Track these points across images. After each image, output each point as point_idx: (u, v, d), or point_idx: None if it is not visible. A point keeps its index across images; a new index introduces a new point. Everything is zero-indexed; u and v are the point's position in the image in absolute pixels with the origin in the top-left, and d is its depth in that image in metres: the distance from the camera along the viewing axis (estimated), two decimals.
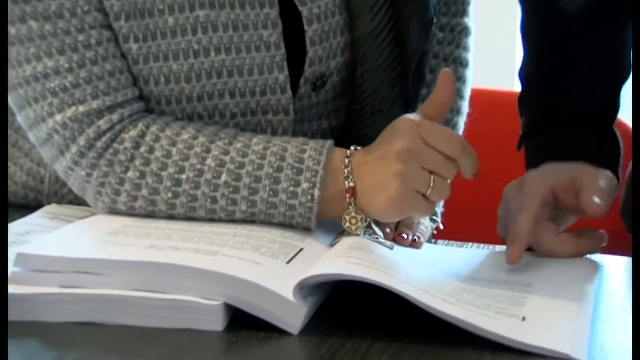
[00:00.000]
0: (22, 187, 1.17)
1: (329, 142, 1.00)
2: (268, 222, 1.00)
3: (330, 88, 1.09)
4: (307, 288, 0.86)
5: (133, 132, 1.01)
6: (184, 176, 0.99)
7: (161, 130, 1.01)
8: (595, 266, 1.04)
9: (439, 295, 0.88)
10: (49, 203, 1.14)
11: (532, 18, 1.18)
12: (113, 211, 1.02)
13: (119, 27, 1.01)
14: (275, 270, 0.89)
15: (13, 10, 0.99)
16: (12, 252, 0.90)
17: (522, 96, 1.18)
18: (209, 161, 0.99)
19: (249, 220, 1.00)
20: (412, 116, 0.98)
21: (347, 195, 0.97)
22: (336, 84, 1.10)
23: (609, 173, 1.08)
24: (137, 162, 1.00)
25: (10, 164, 1.18)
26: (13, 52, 1.00)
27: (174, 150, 1.00)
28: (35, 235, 1.01)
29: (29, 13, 0.99)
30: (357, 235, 0.99)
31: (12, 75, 1.01)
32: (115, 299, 0.85)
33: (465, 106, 1.21)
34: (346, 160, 0.98)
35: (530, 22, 1.19)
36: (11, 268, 0.88)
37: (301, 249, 0.96)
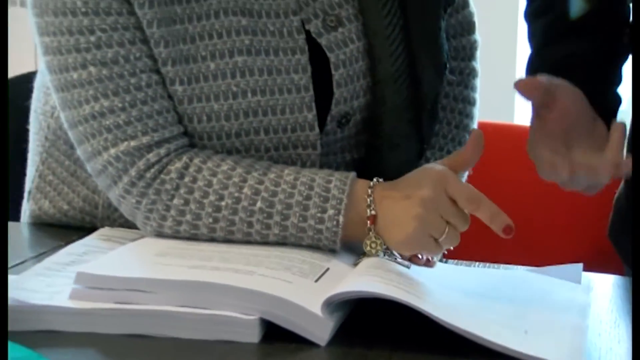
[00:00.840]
0: (80, 212, 1.19)
1: (352, 174, 1.01)
2: (298, 245, 1.01)
3: (354, 125, 1.10)
4: (333, 304, 0.88)
5: (178, 164, 1.02)
6: (223, 203, 1.01)
7: (203, 162, 1.03)
8: (589, 283, 1.05)
9: (449, 310, 0.89)
10: (102, 226, 1.15)
11: (535, 28, 1.18)
12: (160, 235, 1.04)
13: (166, 72, 1.03)
14: (305, 288, 0.91)
15: (76, 58, 1.01)
16: (73, 270, 0.92)
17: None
18: (245, 190, 1.01)
19: (281, 242, 1.01)
20: (439, 167, 0.99)
21: (368, 221, 0.99)
22: (359, 121, 1.11)
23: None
24: (182, 190, 1.02)
25: (69, 191, 1.19)
26: (75, 94, 1.02)
27: (214, 180, 1.01)
28: (92, 256, 1.02)
29: (90, 60, 1.01)
30: (377, 256, 1.00)
31: (74, 114, 1.03)
32: (164, 314, 0.87)
33: None
34: (369, 190, 1.00)
35: (534, 33, 1.18)
36: (72, 285, 0.89)
37: (328, 269, 0.97)
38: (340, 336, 0.88)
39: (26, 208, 1.24)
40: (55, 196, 1.20)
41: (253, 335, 0.86)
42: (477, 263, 1.13)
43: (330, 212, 0.99)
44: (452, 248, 1.00)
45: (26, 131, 1.27)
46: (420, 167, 1.01)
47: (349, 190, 0.99)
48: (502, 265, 1.12)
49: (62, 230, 1.18)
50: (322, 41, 1.06)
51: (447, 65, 1.13)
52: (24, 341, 0.81)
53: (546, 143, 1.04)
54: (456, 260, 1.14)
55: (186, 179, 1.02)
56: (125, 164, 1.02)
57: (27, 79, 1.34)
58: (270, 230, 1.00)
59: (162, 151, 1.03)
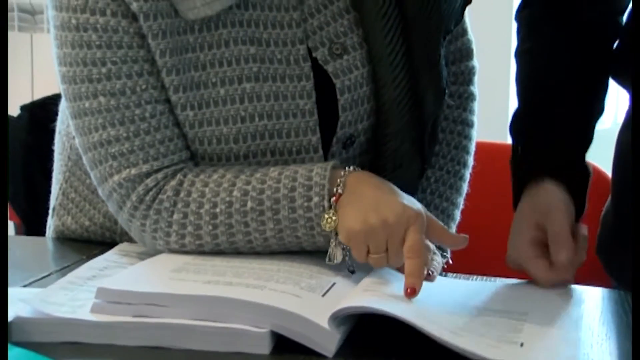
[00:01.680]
0: (100, 227, 1.18)
1: (333, 162, 1.01)
2: (295, 236, 0.99)
3: (358, 146, 1.10)
4: (339, 318, 0.87)
5: (173, 182, 1.02)
6: (218, 210, 1.00)
7: (196, 176, 1.02)
8: (580, 296, 1.04)
9: (448, 325, 0.88)
10: (121, 241, 1.15)
11: (521, 69, 1.19)
12: (169, 250, 1.03)
13: (177, 98, 1.02)
14: (313, 303, 0.90)
15: (88, 87, 1.01)
16: (94, 285, 0.92)
17: (510, 125, 1.18)
18: (235, 193, 1.00)
19: (279, 236, 1.00)
20: (424, 212, 0.98)
21: (333, 198, 0.98)
22: (363, 143, 1.10)
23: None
24: (179, 205, 1.01)
25: (90, 207, 1.19)
26: (86, 121, 1.02)
27: (206, 190, 1.01)
28: (112, 270, 1.01)
29: (100, 90, 1.01)
30: (332, 236, 0.98)
31: (84, 140, 1.03)
32: (179, 327, 0.86)
33: (470, 160, 1.22)
34: (342, 173, 0.99)
35: (520, 72, 1.19)
36: (93, 299, 0.89)
37: (334, 283, 0.96)
38: (347, 347, 0.87)
39: (50, 223, 1.24)
40: (77, 213, 1.20)
41: (263, 347, 0.86)
42: (474, 276, 1.12)
43: (315, 199, 0.98)
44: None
45: (52, 151, 1.27)
46: (408, 196, 1.00)
47: (329, 176, 0.98)
48: (498, 279, 1.11)
49: (84, 244, 1.18)
50: (329, 68, 1.06)
51: (447, 90, 1.13)
52: (49, 352, 0.82)
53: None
54: (455, 274, 1.13)
55: (182, 195, 1.01)
56: (128, 189, 1.02)
57: (53, 100, 1.34)
58: (266, 226, 0.99)
59: (160, 176, 1.02)
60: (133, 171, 1.01)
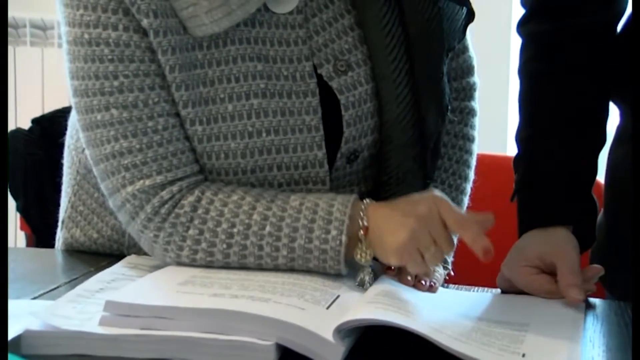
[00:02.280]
0: (108, 240, 1.17)
1: (354, 197, 1.00)
2: (306, 267, 0.98)
3: (362, 161, 1.08)
4: (344, 330, 0.85)
5: (191, 198, 1.00)
6: (235, 230, 0.98)
7: (214, 194, 1.00)
8: (581, 308, 1.02)
9: (452, 334, 0.86)
10: (129, 253, 1.13)
11: (527, 90, 1.18)
12: (178, 264, 1.01)
13: (186, 113, 1.00)
14: (318, 315, 0.88)
15: (100, 100, 0.99)
16: (102, 297, 0.90)
17: (516, 157, 1.17)
18: (255, 216, 0.98)
19: (290, 264, 0.99)
20: (438, 193, 0.98)
21: (361, 231, 0.97)
22: (366, 158, 1.09)
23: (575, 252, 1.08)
24: (196, 222, 0.99)
25: (98, 220, 1.17)
26: (98, 133, 1.01)
27: (225, 209, 0.99)
28: (120, 283, 1.00)
29: (112, 103, 0.99)
30: (367, 266, 0.98)
31: (96, 152, 1.01)
32: (186, 340, 0.84)
33: (471, 174, 1.20)
34: (362, 206, 0.98)
35: (524, 92, 1.18)
36: (101, 312, 0.87)
37: (338, 296, 0.94)
38: (351, 359, 0.85)
39: (60, 236, 1.22)
40: (85, 225, 1.18)
41: (269, 359, 0.83)
42: (476, 288, 1.10)
43: (333, 232, 0.97)
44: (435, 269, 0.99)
45: (62, 165, 1.25)
46: (420, 193, 1.00)
47: (350, 212, 0.97)
48: (498, 290, 1.09)
49: (92, 257, 1.16)
50: (333, 84, 1.04)
51: (449, 107, 1.11)
52: None
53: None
54: (457, 285, 1.11)
55: (199, 211, 1.00)
56: (141, 201, 1.00)
57: (63, 113, 1.33)
58: (279, 252, 0.98)
59: (175, 188, 1.01)
60: (147, 182, 1.00)
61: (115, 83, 0.99)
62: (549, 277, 1.06)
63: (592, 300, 1.06)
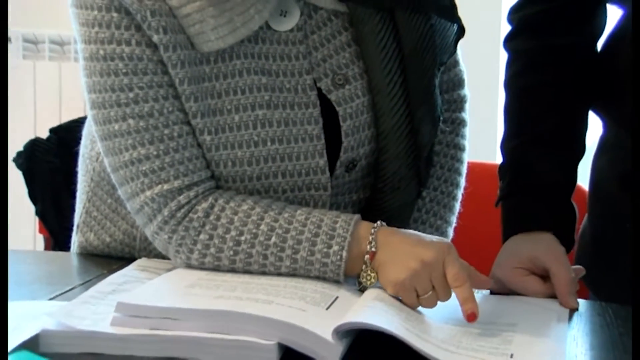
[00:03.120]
0: (120, 244, 1.16)
1: (357, 216, 0.99)
2: (307, 276, 0.97)
3: (360, 169, 1.07)
4: (342, 330, 0.84)
5: (205, 204, 0.99)
6: (243, 238, 0.98)
7: (226, 202, 1.00)
8: (564, 312, 1.01)
9: (444, 342, 0.86)
10: (139, 256, 1.12)
11: (513, 103, 1.17)
12: (188, 266, 1.01)
13: (195, 123, 1.00)
14: (318, 316, 0.87)
15: (117, 111, 0.99)
16: (114, 299, 0.90)
17: (501, 165, 1.17)
18: (262, 227, 0.98)
19: (292, 274, 0.98)
20: (447, 241, 0.97)
21: (367, 256, 0.96)
22: (364, 166, 1.08)
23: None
24: (207, 227, 0.99)
25: (111, 225, 1.16)
26: (116, 142, 1.00)
27: (235, 218, 0.98)
28: (131, 285, 0.99)
29: (129, 113, 0.99)
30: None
31: (115, 160, 1.01)
32: (192, 340, 0.84)
33: (462, 181, 1.19)
34: (372, 230, 0.97)
35: (510, 105, 1.17)
36: (113, 313, 0.87)
37: (337, 297, 0.93)
38: (349, 358, 0.84)
39: (75, 240, 1.21)
40: (99, 230, 1.17)
41: (271, 358, 0.83)
42: None
43: (335, 247, 0.96)
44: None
45: (76, 173, 1.24)
46: (430, 235, 0.98)
47: (352, 230, 0.96)
48: (487, 292, 1.07)
49: (105, 260, 1.16)
50: (332, 97, 1.04)
51: (441, 118, 1.11)
52: None
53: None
54: None
55: (211, 217, 0.99)
56: (160, 204, 1.00)
57: (78, 124, 1.32)
58: (283, 262, 0.97)
59: (192, 193, 1.00)
60: (165, 187, 0.99)
61: (131, 95, 0.98)
62: (539, 278, 1.06)
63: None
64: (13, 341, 0.83)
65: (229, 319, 0.85)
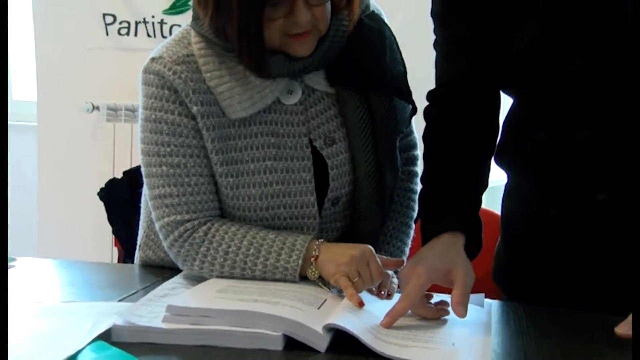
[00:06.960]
0: (170, 259, 1.11)
1: (311, 236, 0.99)
2: (273, 278, 0.96)
3: (341, 205, 1.06)
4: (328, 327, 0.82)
5: (204, 227, 1.00)
6: (230, 249, 0.98)
7: (220, 226, 1.00)
8: (489, 307, 0.98)
9: (401, 340, 0.82)
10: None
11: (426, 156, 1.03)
12: (191, 271, 1.00)
13: (222, 170, 0.99)
14: (312, 314, 0.85)
15: (156, 159, 0.99)
16: (165, 302, 0.88)
17: (419, 193, 1.04)
18: (244, 242, 0.98)
19: (263, 275, 0.96)
20: (370, 247, 0.96)
21: (312, 259, 0.96)
22: (345, 202, 1.06)
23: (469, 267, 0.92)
24: (205, 243, 0.99)
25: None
26: (152, 180, 1.00)
27: (226, 236, 0.98)
28: (178, 290, 0.97)
29: (164, 162, 0.99)
30: (315, 279, 0.96)
31: (150, 192, 1.01)
32: (221, 332, 0.82)
33: (414, 214, 1.14)
34: (317, 243, 0.97)
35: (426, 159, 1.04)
36: (164, 312, 0.85)
37: (325, 300, 0.91)
38: (334, 346, 0.82)
39: (137, 255, 1.18)
40: (155, 248, 1.15)
41: (278, 345, 0.81)
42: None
43: (294, 257, 0.96)
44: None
45: (139, 207, 1.20)
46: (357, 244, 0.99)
47: (307, 245, 0.97)
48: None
49: (160, 270, 1.13)
50: (324, 152, 1.03)
51: (400, 169, 1.09)
52: (132, 350, 0.77)
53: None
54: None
55: (208, 236, 0.99)
56: (172, 228, 1.00)
57: None
58: (257, 267, 0.97)
59: (195, 222, 1.00)
60: (178, 217, 0.99)
61: (168, 149, 0.98)
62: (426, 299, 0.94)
63: (493, 301, 1.02)
64: (93, 334, 0.81)
65: (247, 316, 0.83)
